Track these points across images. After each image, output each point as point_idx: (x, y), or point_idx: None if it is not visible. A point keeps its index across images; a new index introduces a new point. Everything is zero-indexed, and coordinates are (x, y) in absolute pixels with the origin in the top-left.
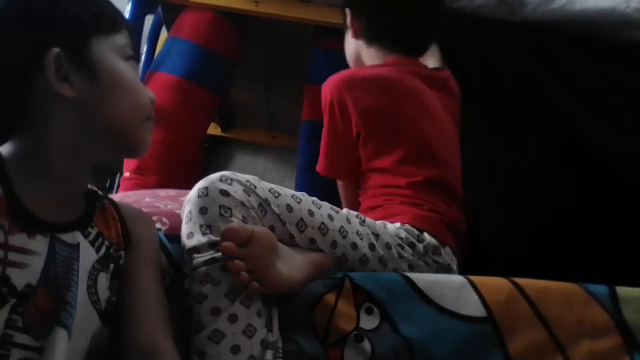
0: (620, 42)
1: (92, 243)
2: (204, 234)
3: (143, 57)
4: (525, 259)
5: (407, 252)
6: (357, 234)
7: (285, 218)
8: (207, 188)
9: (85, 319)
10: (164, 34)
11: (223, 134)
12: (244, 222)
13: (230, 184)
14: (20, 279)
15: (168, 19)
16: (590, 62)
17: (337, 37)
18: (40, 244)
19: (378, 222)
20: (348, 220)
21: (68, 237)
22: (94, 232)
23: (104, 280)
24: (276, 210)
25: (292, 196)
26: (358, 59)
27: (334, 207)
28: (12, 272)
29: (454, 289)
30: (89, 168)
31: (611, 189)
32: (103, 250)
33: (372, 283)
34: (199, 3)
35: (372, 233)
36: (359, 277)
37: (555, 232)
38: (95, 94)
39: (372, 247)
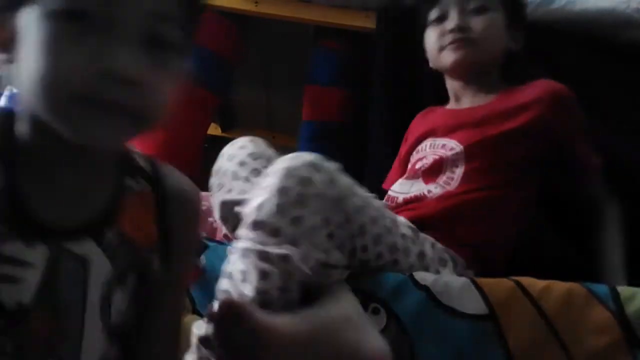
0: (620, 42)
1: (109, 252)
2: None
3: None
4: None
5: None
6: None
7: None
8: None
9: (90, 343)
10: None
11: (223, 134)
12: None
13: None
14: (10, 295)
15: None
16: (590, 62)
17: (337, 37)
18: (38, 255)
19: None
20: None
21: (77, 247)
22: (113, 236)
23: (119, 298)
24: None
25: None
26: (492, 52)
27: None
28: (1, 287)
29: (456, 287)
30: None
31: (610, 188)
32: (124, 259)
33: (377, 283)
34: None
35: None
36: (365, 280)
37: (556, 230)
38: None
39: (421, 255)
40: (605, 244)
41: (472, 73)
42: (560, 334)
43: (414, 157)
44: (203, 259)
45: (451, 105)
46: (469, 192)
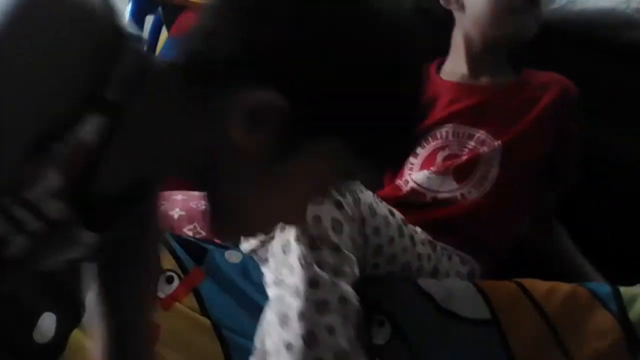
0: (620, 42)
1: (103, 237)
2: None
3: None
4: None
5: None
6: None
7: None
8: None
9: None
10: (164, 34)
11: None
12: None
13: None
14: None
15: (168, 19)
16: (590, 62)
17: None
18: (48, 225)
19: (445, 256)
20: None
21: (85, 233)
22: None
23: None
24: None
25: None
26: None
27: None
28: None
29: (458, 292)
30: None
31: (611, 188)
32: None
33: (382, 295)
34: (199, 3)
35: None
36: (370, 291)
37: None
38: None
39: (434, 272)
40: (567, 247)
41: (515, 45)
42: (562, 337)
43: (431, 144)
44: (205, 262)
45: (463, 77)
46: (499, 198)
